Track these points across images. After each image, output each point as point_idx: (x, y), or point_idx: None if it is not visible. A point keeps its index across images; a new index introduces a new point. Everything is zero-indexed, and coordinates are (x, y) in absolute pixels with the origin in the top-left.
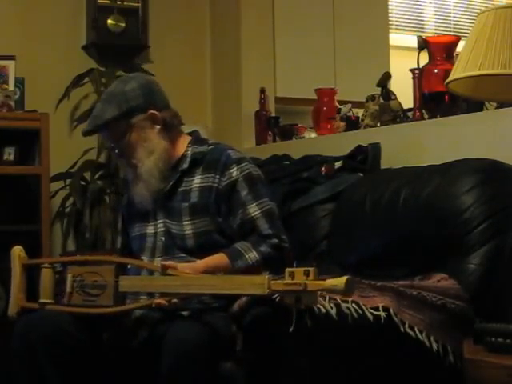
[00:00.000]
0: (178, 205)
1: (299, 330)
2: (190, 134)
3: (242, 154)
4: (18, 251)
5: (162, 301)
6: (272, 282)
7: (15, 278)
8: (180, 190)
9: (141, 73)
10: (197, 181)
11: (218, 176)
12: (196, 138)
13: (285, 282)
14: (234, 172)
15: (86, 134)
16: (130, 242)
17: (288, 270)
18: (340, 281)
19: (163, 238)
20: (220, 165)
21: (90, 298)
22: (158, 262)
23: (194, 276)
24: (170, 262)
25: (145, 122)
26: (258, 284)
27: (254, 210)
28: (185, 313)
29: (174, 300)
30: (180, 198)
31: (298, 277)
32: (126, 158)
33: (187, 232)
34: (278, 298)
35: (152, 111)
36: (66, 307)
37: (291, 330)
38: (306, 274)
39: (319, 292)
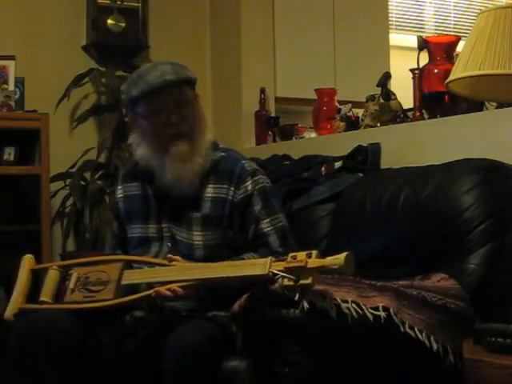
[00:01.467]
0: (188, 213)
1: (299, 329)
2: None
3: (255, 165)
4: (28, 258)
5: (162, 289)
6: (273, 263)
7: (20, 283)
8: (190, 196)
9: None
10: (209, 190)
11: (232, 188)
12: None
13: (287, 261)
14: (250, 185)
15: (165, 84)
16: (124, 240)
17: (291, 254)
18: (339, 257)
19: (169, 244)
20: (235, 176)
21: (90, 294)
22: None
23: (196, 264)
24: (176, 256)
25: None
26: (260, 264)
27: (266, 225)
28: (184, 313)
29: (175, 287)
30: (190, 205)
31: (300, 258)
32: (187, 127)
33: (196, 242)
34: (279, 280)
35: None
36: (64, 304)
37: (297, 312)
38: (308, 255)
39: (318, 275)
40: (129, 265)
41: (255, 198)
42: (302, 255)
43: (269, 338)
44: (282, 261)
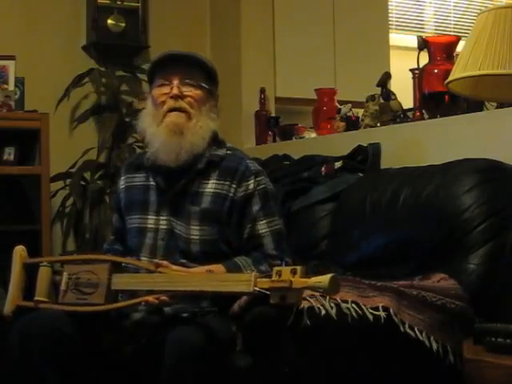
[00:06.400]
0: (188, 206)
1: (299, 330)
2: None
3: (259, 167)
4: (19, 250)
5: (151, 298)
6: (258, 279)
7: (14, 277)
8: (192, 190)
9: None
10: (211, 185)
11: (234, 185)
12: (214, 139)
13: (271, 279)
14: (251, 184)
15: (168, 57)
16: (124, 232)
17: (276, 268)
18: (324, 278)
19: (165, 238)
20: (238, 174)
21: (82, 297)
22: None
23: (181, 274)
24: (163, 261)
25: (216, 101)
26: (245, 281)
27: (262, 227)
28: (184, 314)
29: (163, 297)
30: (191, 199)
31: (285, 275)
32: (186, 104)
33: (193, 237)
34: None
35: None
36: (58, 305)
37: (289, 323)
38: (293, 272)
39: (304, 291)
40: (116, 265)
41: (255, 198)
42: (286, 273)
43: (268, 339)
44: (267, 277)
